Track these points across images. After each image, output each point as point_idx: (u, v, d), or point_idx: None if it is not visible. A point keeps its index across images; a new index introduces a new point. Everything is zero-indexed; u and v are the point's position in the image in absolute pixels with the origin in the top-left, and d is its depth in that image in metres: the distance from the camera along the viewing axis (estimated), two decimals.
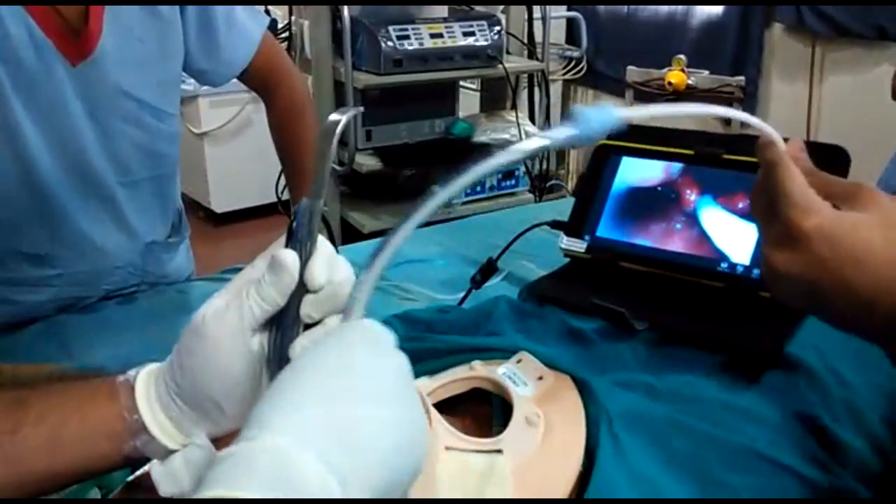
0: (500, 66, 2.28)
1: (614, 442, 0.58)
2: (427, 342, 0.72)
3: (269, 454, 0.34)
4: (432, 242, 1.21)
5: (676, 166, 0.90)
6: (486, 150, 0.43)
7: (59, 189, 0.90)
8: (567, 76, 3.50)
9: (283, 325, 0.48)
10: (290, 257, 0.47)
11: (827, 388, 0.68)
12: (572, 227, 0.94)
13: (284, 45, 2.44)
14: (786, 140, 0.53)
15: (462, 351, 0.68)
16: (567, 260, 0.95)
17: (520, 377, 0.63)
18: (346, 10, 2.10)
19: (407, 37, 2.16)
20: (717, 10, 2.90)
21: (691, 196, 0.88)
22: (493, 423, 0.61)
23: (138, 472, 0.48)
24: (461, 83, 2.59)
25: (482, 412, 0.62)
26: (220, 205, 3.50)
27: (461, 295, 0.93)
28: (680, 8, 3.03)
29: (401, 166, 2.30)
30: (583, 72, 3.47)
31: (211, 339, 0.46)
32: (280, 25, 2.59)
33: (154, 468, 0.47)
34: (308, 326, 0.48)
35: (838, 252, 0.47)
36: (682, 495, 0.56)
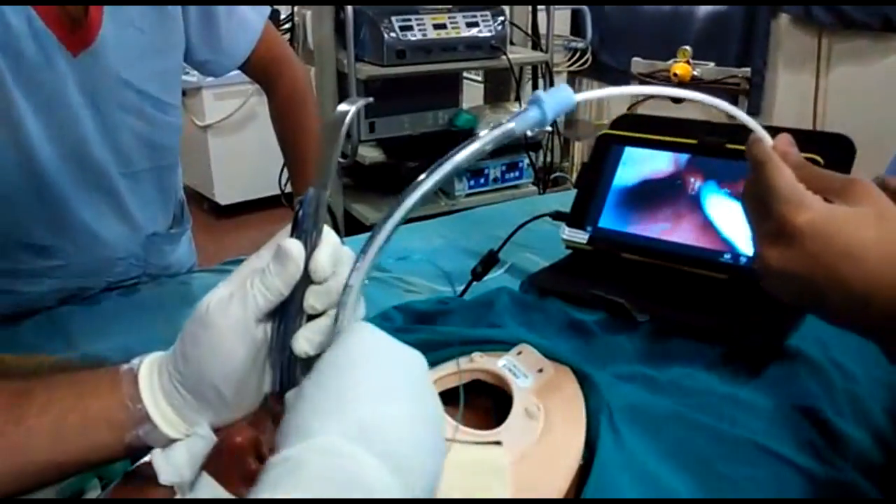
0: (504, 57, 2.26)
1: (615, 434, 0.57)
2: (427, 334, 0.72)
3: (323, 454, 0.34)
4: (436, 235, 1.21)
5: (680, 156, 0.90)
6: None
7: (60, 180, 0.90)
8: (572, 68, 3.47)
9: (287, 316, 0.47)
10: (296, 247, 0.46)
11: (831, 380, 0.68)
12: (574, 218, 0.93)
13: (287, 36, 2.43)
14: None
15: (462, 342, 0.67)
16: (569, 251, 0.95)
17: (520, 369, 0.62)
18: None
19: (410, 27, 2.15)
20: None
21: (695, 185, 0.87)
22: (492, 414, 0.61)
23: (138, 462, 0.48)
24: (465, 74, 2.57)
25: (482, 404, 0.62)
26: (223, 197, 3.50)
27: (463, 287, 0.93)
28: None
29: (404, 158, 2.29)
30: (588, 63, 3.44)
31: (215, 328, 0.46)
32: (283, 16, 2.58)
33: (155, 456, 0.48)
34: (311, 318, 0.48)
35: (831, 247, 0.47)
36: (682, 488, 0.56)
